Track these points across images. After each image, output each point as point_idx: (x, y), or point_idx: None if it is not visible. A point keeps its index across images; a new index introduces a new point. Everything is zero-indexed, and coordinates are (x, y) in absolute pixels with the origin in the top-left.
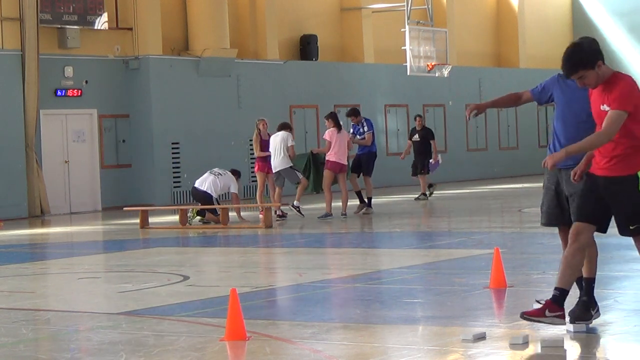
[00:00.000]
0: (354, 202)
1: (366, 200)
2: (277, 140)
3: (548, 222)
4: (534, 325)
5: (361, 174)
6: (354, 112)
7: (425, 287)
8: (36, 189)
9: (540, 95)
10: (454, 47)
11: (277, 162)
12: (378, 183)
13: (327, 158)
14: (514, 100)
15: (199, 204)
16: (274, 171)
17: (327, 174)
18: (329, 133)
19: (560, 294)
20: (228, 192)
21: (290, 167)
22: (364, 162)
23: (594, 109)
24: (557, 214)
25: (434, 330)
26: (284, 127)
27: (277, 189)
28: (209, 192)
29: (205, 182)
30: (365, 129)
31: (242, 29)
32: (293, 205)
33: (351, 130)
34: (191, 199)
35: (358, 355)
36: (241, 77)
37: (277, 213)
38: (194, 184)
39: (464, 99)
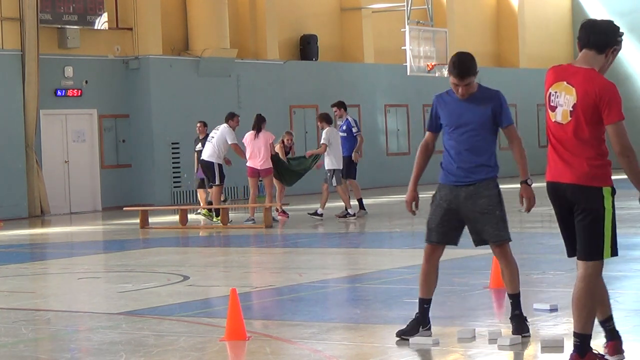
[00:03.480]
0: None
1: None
2: (334, 135)
3: (438, 240)
4: (531, 326)
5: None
6: (339, 104)
7: None
8: (36, 189)
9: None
10: (454, 47)
11: (340, 159)
12: (378, 183)
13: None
14: (426, 153)
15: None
16: (331, 167)
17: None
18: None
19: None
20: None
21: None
22: (344, 165)
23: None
24: (445, 232)
25: (434, 330)
26: (330, 119)
27: (339, 188)
28: (209, 160)
29: (206, 152)
30: (355, 129)
31: (242, 29)
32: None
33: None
34: (193, 198)
35: (358, 355)
36: (241, 77)
37: (350, 212)
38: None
39: None
